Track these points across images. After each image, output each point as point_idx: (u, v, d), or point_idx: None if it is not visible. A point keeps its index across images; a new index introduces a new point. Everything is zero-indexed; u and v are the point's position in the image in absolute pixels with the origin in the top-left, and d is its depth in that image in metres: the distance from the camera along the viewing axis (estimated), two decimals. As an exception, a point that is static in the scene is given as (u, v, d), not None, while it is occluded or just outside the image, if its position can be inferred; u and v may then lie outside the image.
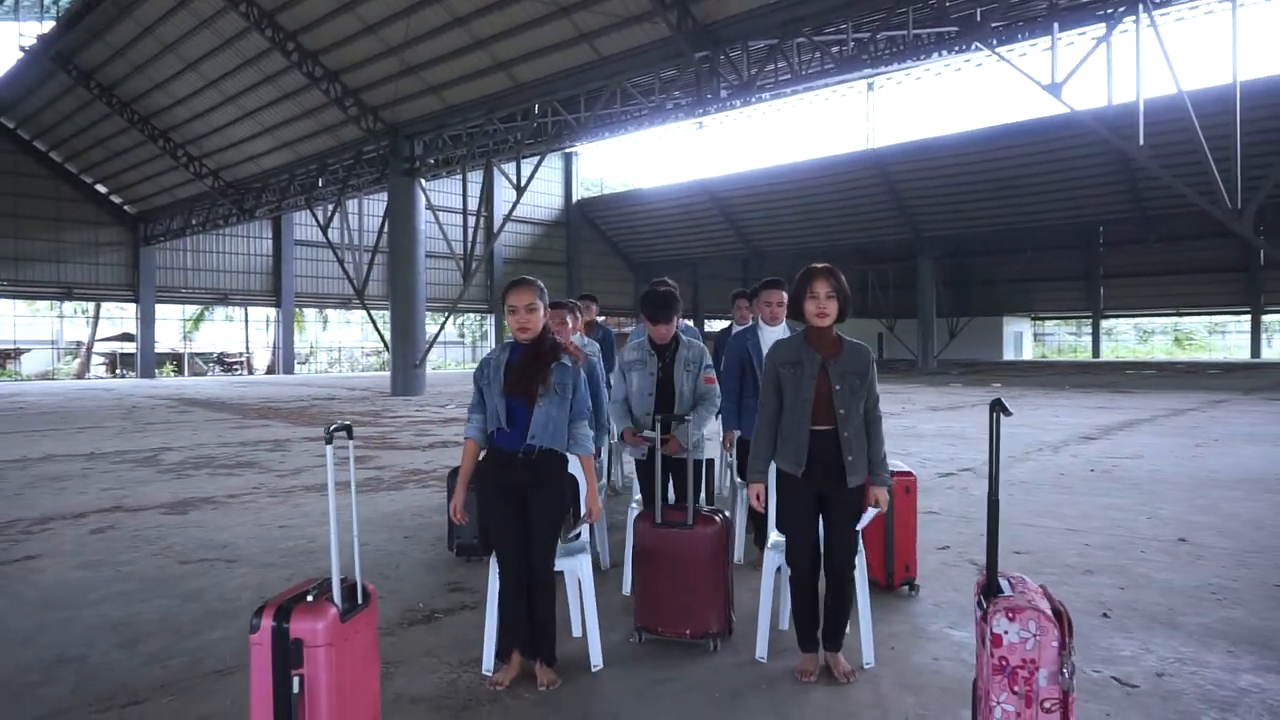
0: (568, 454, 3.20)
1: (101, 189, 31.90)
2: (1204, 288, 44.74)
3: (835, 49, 14.20)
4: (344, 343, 44.45)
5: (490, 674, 3.14)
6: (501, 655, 3.14)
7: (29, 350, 37.16)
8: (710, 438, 4.34)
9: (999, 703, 2.22)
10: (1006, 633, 2.22)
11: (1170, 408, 14.62)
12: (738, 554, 4.77)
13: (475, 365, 3.62)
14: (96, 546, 5.26)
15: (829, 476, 3.08)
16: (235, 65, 21.36)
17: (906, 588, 4.09)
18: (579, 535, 3.42)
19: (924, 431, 11.37)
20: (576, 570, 3.31)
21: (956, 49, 14.40)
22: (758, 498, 3.17)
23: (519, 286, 3.16)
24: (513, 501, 3.11)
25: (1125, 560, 4.72)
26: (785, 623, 3.54)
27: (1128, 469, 7.92)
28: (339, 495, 2.64)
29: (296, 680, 2.21)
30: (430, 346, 22.44)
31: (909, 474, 4.09)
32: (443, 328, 25.03)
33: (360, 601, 2.47)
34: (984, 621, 2.32)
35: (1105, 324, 52.58)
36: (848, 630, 3.45)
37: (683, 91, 17.74)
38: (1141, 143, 11.85)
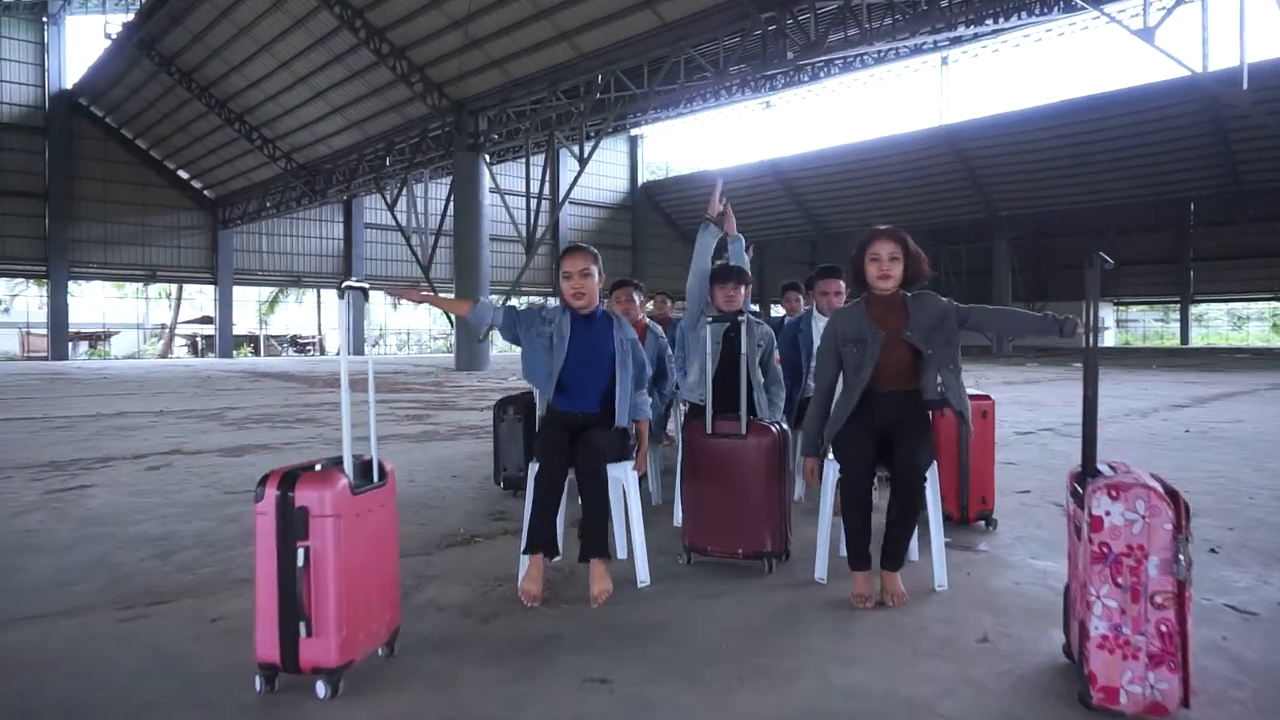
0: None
1: (184, 174, 32.89)
2: (1306, 268, 42.17)
3: (908, 7, 13.62)
4: (412, 326, 45.13)
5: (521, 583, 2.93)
6: (529, 549, 2.89)
7: (118, 333, 38.71)
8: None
9: (1099, 597, 1.90)
10: (1109, 514, 1.90)
11: (1272, 383, 13.68)
12: (796, 492, 4.47)
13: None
14: (150, 479, 5.24)
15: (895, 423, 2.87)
16: (306, 45, 21.68)
17: (983, 522, 3.74)
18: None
19: (1000, 399, 10.79)
20: (621, 478, 3.07)
21: (1037, 7, 13.65)
22: (811, 472, 2.96)
23: (573, 253, 3.11)
24: (567, 432, 3.03)
25: (1232, 505, 4.28)
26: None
27: (1227, 431, 7.34)
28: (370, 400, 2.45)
29: (301, 553, 2.02)
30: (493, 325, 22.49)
31: (987, 397, 3.73)
32: (507, 300, 25.06)
33: (377, 480, 2.27)
34: (1080, 509, 2.00)
35: (1195, 310, 50.08)
36: (917, 557, 3.15)
37: (748, 63, 17.32)
38: (1245, 86, 10.97)
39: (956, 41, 23.37)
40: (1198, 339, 50.53)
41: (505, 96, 20.53)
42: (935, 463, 2.89)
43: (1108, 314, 52.21)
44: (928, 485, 2.81)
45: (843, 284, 4.29)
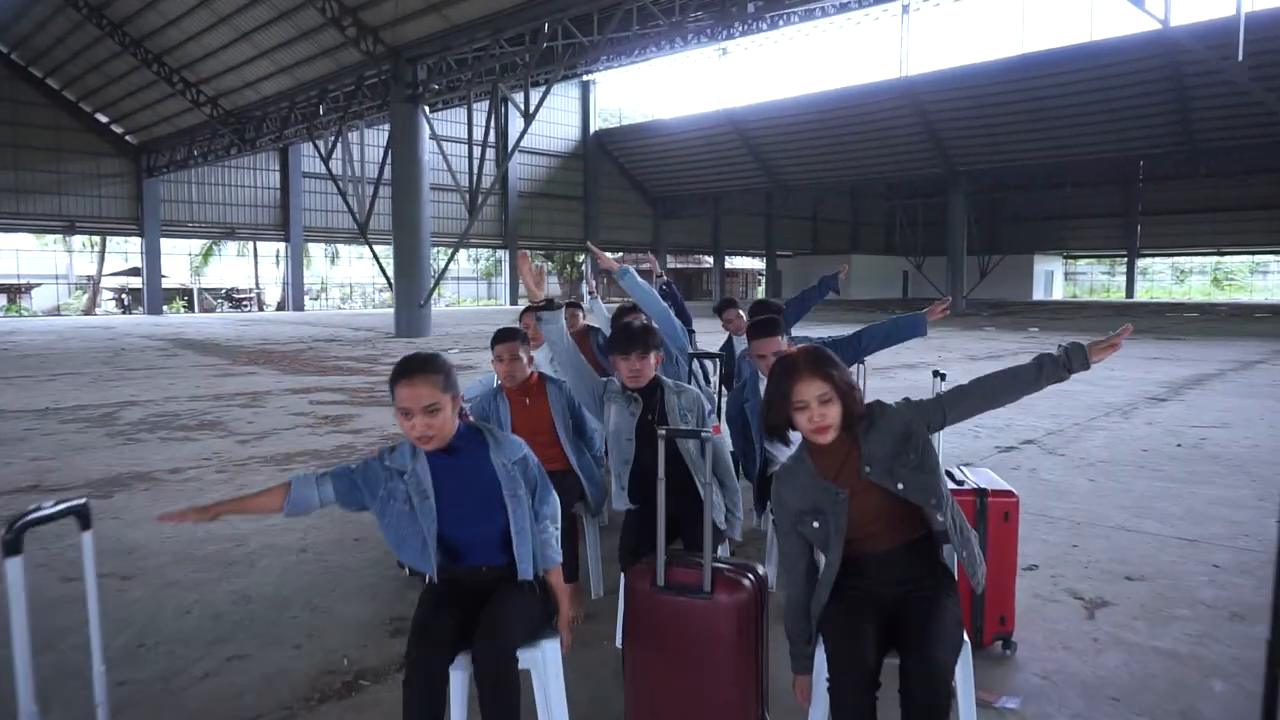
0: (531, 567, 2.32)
1: (102, 118, 30.68)
2: (1247, 225, 42.76)
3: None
4: (355, 278, 43.44)
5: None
6: None
7: (38, 285, 36.49)
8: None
9: None
10: None
11: (1235, 359, 13.34)
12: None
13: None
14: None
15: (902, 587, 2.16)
16: (226, -19, 19.96)
17: (1000, 644, 3.03)
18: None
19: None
20: (541, 663, 2.25)
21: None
22: (804, 694, 2.19)
23: (408, 377, 2.14)
24: (457, 610, 2.19)
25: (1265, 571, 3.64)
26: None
27: (1219, 443, 6.78)
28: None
29: None
30: (436, 285, 21.42)
31: (1010, 494, 2.99)
32: (448, 264, 23.92)
33: None
34: None
35: (1140, 263, 50.58)
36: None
37: (705, 11, 16.20)
38: (1241, 58, 10.27)
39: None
40: (1142, 292, 51.19)
41: (446, 44, 19.13)
42: (965, 642, 2.12)
43: (1056, 267, 52.56)
44: (956, 679, 2.05)
45: (780, 341, 3.50)
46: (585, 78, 38.51)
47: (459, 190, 21.39)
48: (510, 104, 19.87)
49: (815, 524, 2.11)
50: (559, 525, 2.34)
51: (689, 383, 4.51)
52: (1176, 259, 54.75)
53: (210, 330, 21.86)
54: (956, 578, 2.23)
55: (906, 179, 38.05)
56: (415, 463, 2.22)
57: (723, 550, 3.16)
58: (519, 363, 3.53)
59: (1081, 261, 55.73)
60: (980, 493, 2.95)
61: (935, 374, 3.85)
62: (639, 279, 4.06)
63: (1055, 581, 3.72)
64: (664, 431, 2.33)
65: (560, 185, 41.69)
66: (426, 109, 20.29)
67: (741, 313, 5.28)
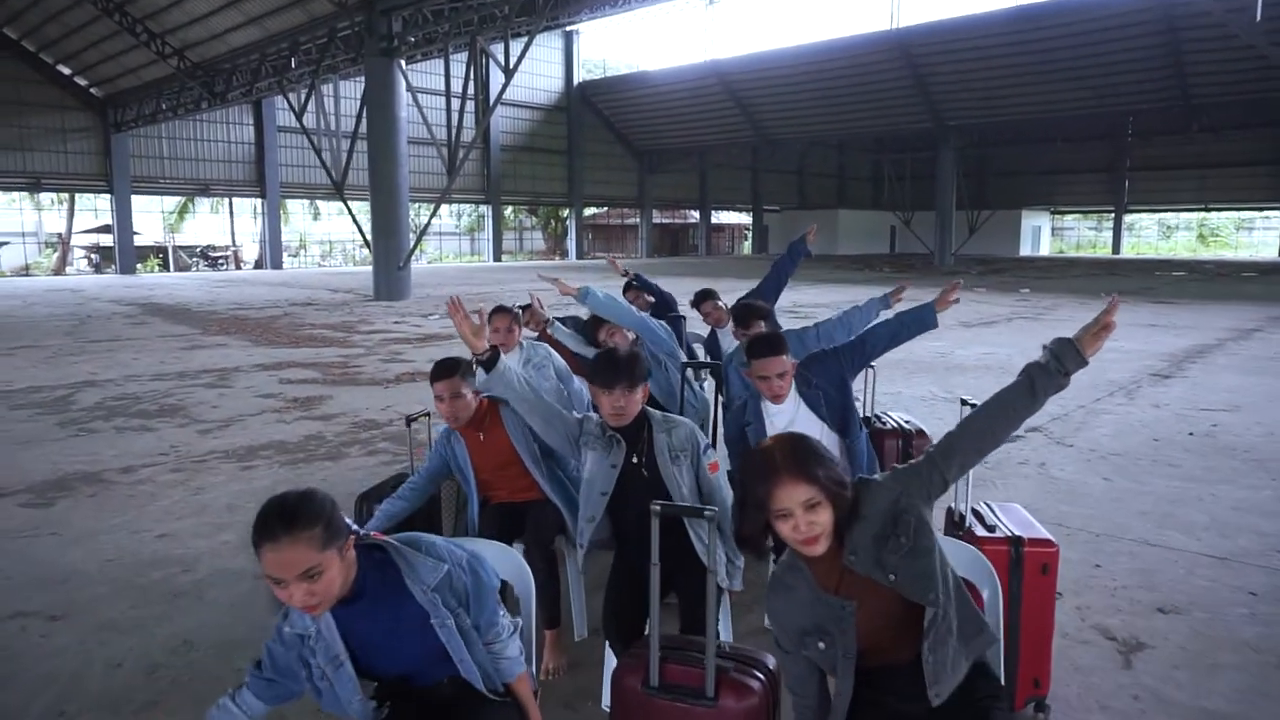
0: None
1: (65, 70, 29.46)
2: (1235, 181, 42.58)
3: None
4: (336, 234, 42.45)
5: None
6: None
7: (6, 244, 35.44)
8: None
9: None
10: None
11: (1232, 327, 13.07)
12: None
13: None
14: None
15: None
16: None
17: (1033, 707, 2.71)
18: None
19: (965, 361, 9.92)
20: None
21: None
22: None
23: (271, 542, 1.60)
24: None
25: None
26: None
27: (1232, 430, 6.49)
28: None
29: None
30: (416, 245, 20.79)
31: (1049, 544, 2.63)
32: (429, 222, 23.28)
33: None
34: None
35: (1127, 219, 50.32)
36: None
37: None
38: (1259, 17, 9.79)
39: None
40: (1128, 248, 51.04)
41: (421, -7, 18.29)
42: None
43: (1044, 222, 52.23)
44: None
45: (787, 361, 3.11)
46: (568, 28, 37.41)
47: (438, 145, 20.70)
48: (491, 57, 19.12)
49: (821, 645, 1.74)
50: (512, 628, 1.93)
51: (681, 390, 4.14)
52: (1163, 215, 54.52)
53: (183, 293, 21.20)
54: (1002, 679, 1.88)
55: (895, 133, 37.45)
56: (318, 623, 1.78)
57: (723, 611, 2.81)
58: (461, 400, 3.08)
59: (1069, 217, 55.41)
60: (1015, 542, 2.59)
61: (964, 403, 3.49)
62: (600, 294, 3.72)
63: (1083, 615, 3.40)
64: (658, 507, 1.95)
65: (543, 139, 40.75)
66: (403, 62, 19.50)
67: (721, 304, 4.87)
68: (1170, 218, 56.29)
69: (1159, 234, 58.08)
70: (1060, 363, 1.82)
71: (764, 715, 1.91)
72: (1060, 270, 30.50)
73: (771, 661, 2.01)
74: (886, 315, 3.77)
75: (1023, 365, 1.91)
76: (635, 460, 2.60)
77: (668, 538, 2.33)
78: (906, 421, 3.97)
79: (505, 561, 2.02)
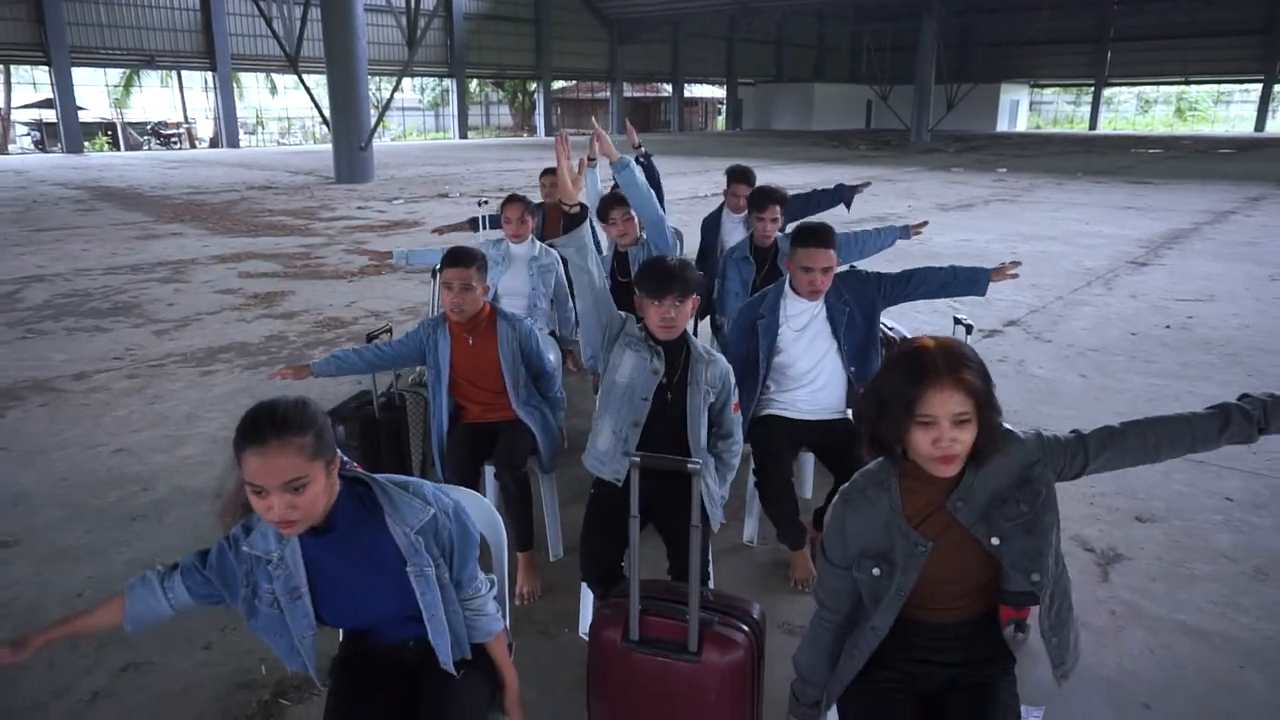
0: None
1: (-16, -76, 27.14)
2: (1215, 52, 41.91)
3: None
4: (294, 110, 40.55)
5: None
6: None
7: (-58, 119, 33.56)
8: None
9: None
10: None
11: (1208, 210, 12.99)
12: (747, 531, 3.34)
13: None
14: None
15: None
16: None
17: (1013, 628, 2.70)
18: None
19: (941, 248, 9.74)
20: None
21: None
22: None
23: (259, 444, 1.47)
24: (380, 694, 1.76)
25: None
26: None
27: (1208, 322, 6.46)
28: None
29: None
30: (378, 124, 19.92)
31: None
32: (390, 98, 22.23)
33: None
34: None
35: (1106, 93, 49.46)
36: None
37: None
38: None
39: None
40: (1105, 123, 50.43)
41: None
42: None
43: (1022, 96, 51.19)
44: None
45: (833, 255, 2.94)
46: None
47: (396, 14, 19.44)
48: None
49: (876, 570, 1.61)
50: (490, 584, 1.80)
51: None
52: (1142, 88, 53.58)
53: (135, 175, 20.26)
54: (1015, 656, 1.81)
55: (876, 1, 35.97)
56: (283, 547, 1.64)
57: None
58: (471, 294, 2.93)
59: (1048, 91, 54.30)
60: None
61: (956, 321, 3.37)
62: (639, 175, 3.43)
63: (1062, 526, 3.38)
64: (638, 458, 1.81)
65: (509, 6, 38.70)
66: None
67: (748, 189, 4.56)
68: (1149, 91, 55.35)
69: (1137, 108, 57.24)
70: (1266, 418, 1.63)
71: (749, 668, 1.84)
72: (1037, 147, 30.06)
73: (757, 610, 1.93)
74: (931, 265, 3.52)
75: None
76: (665, 381, 2.46)
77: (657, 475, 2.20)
78: (890, 329, 3.83)
79: (479, 512, 1.89)
